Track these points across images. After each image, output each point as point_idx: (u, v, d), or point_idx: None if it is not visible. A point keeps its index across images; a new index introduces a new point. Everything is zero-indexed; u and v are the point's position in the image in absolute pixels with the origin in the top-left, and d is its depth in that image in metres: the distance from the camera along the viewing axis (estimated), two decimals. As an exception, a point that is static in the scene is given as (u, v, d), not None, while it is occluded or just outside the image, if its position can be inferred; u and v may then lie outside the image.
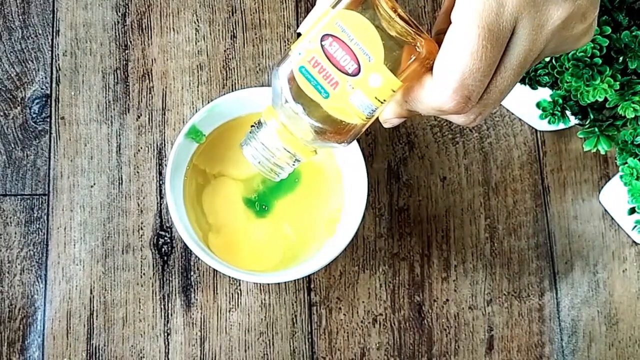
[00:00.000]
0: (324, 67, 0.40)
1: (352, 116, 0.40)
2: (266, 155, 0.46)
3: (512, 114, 0.73)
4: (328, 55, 0.39)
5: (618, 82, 0.56)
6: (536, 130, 0.73)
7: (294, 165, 0.47)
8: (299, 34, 0.42)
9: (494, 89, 0.39)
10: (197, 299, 0.66)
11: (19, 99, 0.69)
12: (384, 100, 0.40)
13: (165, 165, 0.67)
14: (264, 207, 0.65)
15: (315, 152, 0.46)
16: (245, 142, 0.47)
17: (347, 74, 0.39)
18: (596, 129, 0.60)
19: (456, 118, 0.41)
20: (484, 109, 0.40)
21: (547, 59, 0.58)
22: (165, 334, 0.65)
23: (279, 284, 0.67)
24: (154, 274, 0.66)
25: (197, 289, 0.66)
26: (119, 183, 0.68)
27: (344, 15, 0.39)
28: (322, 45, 0.39)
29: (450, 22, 0.38)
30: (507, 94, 0.40)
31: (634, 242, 0.71)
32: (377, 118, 0.43)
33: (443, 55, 0.38)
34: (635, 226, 0.61)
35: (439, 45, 0.38)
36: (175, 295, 0.66)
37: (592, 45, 0.56)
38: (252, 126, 0.46)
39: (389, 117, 0.43)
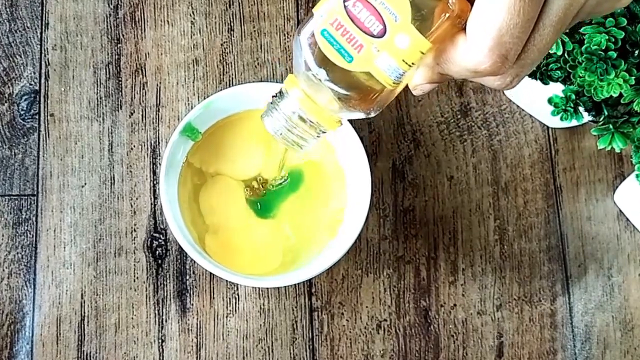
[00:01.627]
0: (347, 30, 0.38)
1: (378, 81, 0.39)
2: (288, 127, 0.45)
3: (523, 110, 0.72)
4: (351, 17, 0.38)
5: (633, 77, 0.56)
6: (548, 127, 0.72)
7: (318, 136, 0.46)
8: None
9: (532, 47, 0.38)
10: (192, 304, 0.66)
11: (6, 95, 0.69)
12: (413, 64, 0.39)
13: (160, 164, 0.67)
14: (258, 205, 0.65)
15: (340, 123, 0.45)
16: (266, 113, 0.46)
17: (373, 35, 0.38)
18: (610, 126, 0.60)
19: (492, 80, 0.40)
20: (521, 70, 0.39)
21: (560, 53, 0.58)
22: (160, 341, 0.65)
23: (278, 288, 0.66)
24: (147, 277, 0.66)
25: (193, 293, 0.66)
26: (111, 183, 0.68)
27: None
28: (345, 6, 0.38)
29: None
30: (545, 53, 0.39)
31: (650, 244, 0.71)
32: (407, 85, 0.42)
33: (477, 11, 0.36)
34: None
35: (472, 4, 0.37)
36: (170, 300, 0.65)
37: (607, 38, 0.56)
38: (273, 96, 0.45)
39: (420, 82, 0.42)
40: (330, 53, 0.39)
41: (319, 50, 0.39)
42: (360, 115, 0.42)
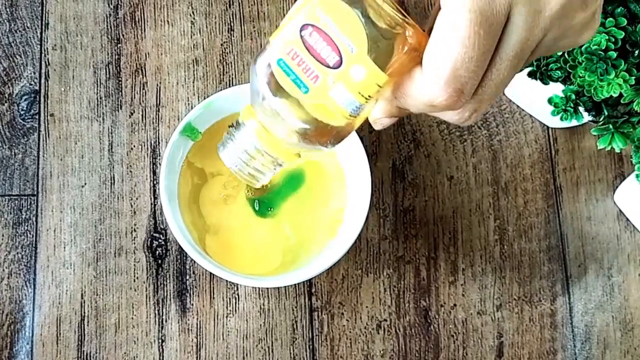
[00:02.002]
0: (303, 60, 0.37)
1: (334, 114, 0.38)
2: (244, 159, 0.44)
3: (523, 110, 0.72)
4: (308, 47, 0.37)
5: (634, 77, 0.56)
6: (548, 127, 0.72)
7: (275, 170, 0.44)
8: (277, 25, 0.39)
9: (488, 82, 0.37)
10: (192, 304, 0.65)
11: (6, 95, 0.68)
12: (369, 97, 0.38)
13: (160, 164, 0.67)
14: (258, 205, 0.65)
15: (298, 156, 0.44)
16: (222, 144, 0.45)
17: (328, 66, 0.37)
18: (610, 126, 0.59)
19: (450, 115, 0.39)
20: (479, 105, 0.38)
21: (559, 53, 0.57)
22: (160, 341, 0.65)
23: (278, 288, 0.66)
24: (147, 277, 0.66)
25: (193, 293, 0.66)
26: (111, 183, 0.67)
27: (325, 3, 0.37)
28: (301, 36, 0.37)
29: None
30: (503, 88, 0.38)
31: (650, 244, 0.71)
32: (367, 119, 0.41)
33: (432, 44, 0.36)
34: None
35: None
36: (170, 300, 0.65)
37: (607, 38, 0.55)
38: (229, 127, 0.44)
39: (378, 116, 0.41)
40: (285, 83, 0.38)
41: (275, 81, 0.38)
42: (318, 148, 0.41)
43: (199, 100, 0.69)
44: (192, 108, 0.64)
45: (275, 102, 0.39)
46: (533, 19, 0.36)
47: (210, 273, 0.65)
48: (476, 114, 0.39)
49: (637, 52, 0.56)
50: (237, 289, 0.66)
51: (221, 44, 0.71)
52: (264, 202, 0.64)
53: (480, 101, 0.38)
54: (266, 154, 0.43)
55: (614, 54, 0.55)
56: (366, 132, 0.70)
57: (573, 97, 0.59)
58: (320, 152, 0.61)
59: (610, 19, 0.55)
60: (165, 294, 0.65)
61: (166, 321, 0.65)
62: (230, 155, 0.44)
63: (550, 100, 0.60)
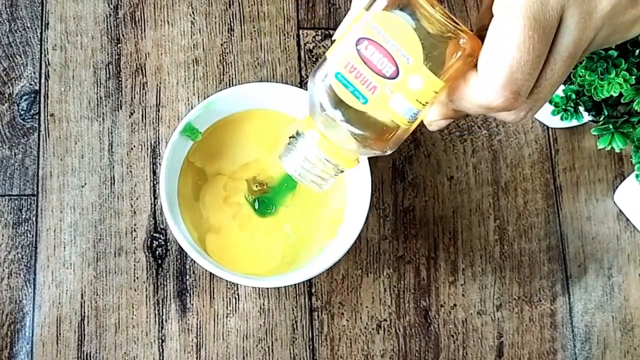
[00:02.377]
0: (360, 72, 0.39)
1: (393, 121, 0.40)
2: (307, 167, 0.46)
3: None
4: (364, 59, 0.39)
5: (634, 77, 0.56)
6: (548, 127, 0.72)
7: (336, 175, 0.47)
8: (333, 41, 0.41)
9: (544, 82, 0.38)
10: (192, 304, 0.65)
11: (6, 95, 0.68)
12: (426, 103, 0.39)
13: (160, 164, 0.66)
14: (258, 205, 0.64)
15: (357, 161, 0.46)
16: (284, 154, 0.47)
17: (385, 77, 0.39)
18: (610, 126, 0.59)
19: (506, 115, 0.40)
20: (534, 104, 0.39)
21: None
22: (160, 341, 0.64)
23: (278, 288, 0.66)
24: (147, 277, 0.65)
25: (193, 293, 0.65)
26: (111, 183, 0.67)
27: (378, 17, 0.38)
28: (357, 50, 0.39)
29: (492, 17, 0.37)
30: (558, 87, 0.39)
31: (650, 244, 0.71)
32: (422, 121, 0.42)
33: (488, 49, 0.37)
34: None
35: (482, 42, 0.38)
36: (170, 300, 0.65)
37: None
38: (290, 137, 0.46)
39: (434, 118, 0.43)
40: (344, 95, 0.39)
41: (333, 93, 0.40)
42: (376, 153, 0.42)
43: (199, 100, 0.69)
44: (192, 108, 0.64)
45: (335, 114, 0.40)
46: (585, 20, 0.37)
47: (210, 273, 0.65)
48: (532, 113, 0.40)
49: (637, 51, 0.56)
50: (237, 289, 0.66)
51: (221, 44, 0.71)
52: (264, 202, 0.64)
53: (536, 100, 0.39)
54: (327, 161, 0.45)
55: (614, 53, 0.55)
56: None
57: (573, 96, 0.59)
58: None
59: None
60: (166, 294, 0.65)
61: (166, 321, 0.65)
62: (292, 164, 0.46)
63: (550, 100, 0.60)
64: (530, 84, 0.37)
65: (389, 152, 0.42)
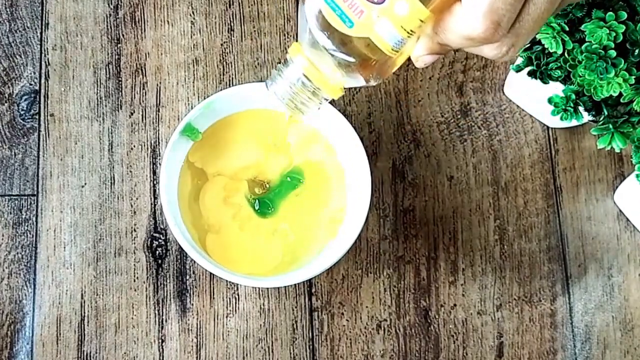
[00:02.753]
0: None
1: (377, 47, 0.40)
2: (291, 92, 0.46)
3: (523, 110, 0.72)
4: None
5: (633, 76, 0.56)
6: (548, 127, 0.72)
7: (320, 103, 0.47)
8: None
9: (526, 17, 0.39)
10: (192, 304, 0.65)
11: (6, 95, 0.68)
12: (412, 32, 0.40)
13: (160, 164, 0.67)
14: (258, 206, 0.64)
15: (342, 90, 0.46)
16: (271, 79, 0.47)
17: (373, 2, 0.39)
18: (610, 126, 0.59)
19: (488, 50, 0.41)
20: (516, 39, 0.40)
21: (559, 52, 0.57)
22: (160, 341, 0.65)
23: (278, 288, 0.66)
24: (147, 277, 0.66)
25: (193, 293, 0.66)
26: (111, 183, 0.67)
27: None
28: None
29: None
30: (540, 25, 0.40)
31: (650, 244, 0.70)
32: (409, 58, 0.43)
33: None
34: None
35: None
36: (170, 300, 0.65)
37: (608, 32, 0.55)
38: (278, 64, 0.47)
39: (421, 53, 0.43)
40: (332, 18, 0.40)
41: (322, 16, 0.41)
42: (361, 82, 0.43)
43: (199, 100, 0.69)
44: (192, 108, 0.64)
45: (321, 37, 0.41)
46: None
47: (211, 273, 0.65)
48: (513, 50, 0.41)
49: (637, 51, 0.56)
50: (237, 289, 0.66)
51: (221, 44, 0.71)
52: (264, 201, 0.65)
53: (518, 35, 0.40)
54: (313, 87, 0.46)
55: (613, 53, 0.55)
56: (366, 132, 0.70)
57: (573, 96, 0.59)
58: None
59: (611, 13, 0.55)
60: (165, 294, 0.65)
61: (166, 321, 0.65)
62: (278, 89, 0.47)
63: (550, 100, 0.60)
64: (512, 15, 0.38)
65: (373, 83, 0.43)
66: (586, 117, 0.61)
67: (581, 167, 0.71)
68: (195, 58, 0.71)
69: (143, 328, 0.65)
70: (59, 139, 0.68)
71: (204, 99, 0.64)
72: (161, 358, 0.64)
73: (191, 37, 0.71)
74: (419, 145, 0.70)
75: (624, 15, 0.55)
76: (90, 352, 0.64)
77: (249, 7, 0.72)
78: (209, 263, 0.59)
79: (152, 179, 0.68)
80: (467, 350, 0.67)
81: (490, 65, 0.72)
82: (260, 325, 0.65)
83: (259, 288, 0.66)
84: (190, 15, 0.71)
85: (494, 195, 0.70)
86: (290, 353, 0.65)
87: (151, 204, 0.67)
